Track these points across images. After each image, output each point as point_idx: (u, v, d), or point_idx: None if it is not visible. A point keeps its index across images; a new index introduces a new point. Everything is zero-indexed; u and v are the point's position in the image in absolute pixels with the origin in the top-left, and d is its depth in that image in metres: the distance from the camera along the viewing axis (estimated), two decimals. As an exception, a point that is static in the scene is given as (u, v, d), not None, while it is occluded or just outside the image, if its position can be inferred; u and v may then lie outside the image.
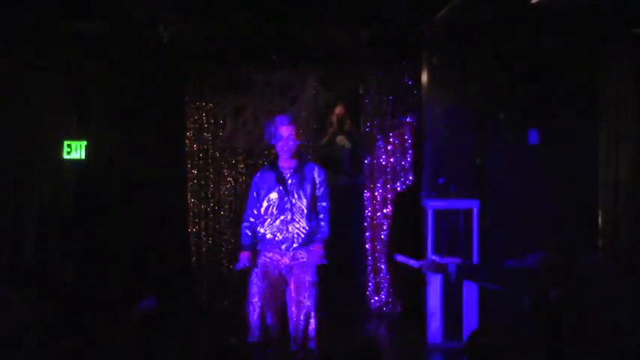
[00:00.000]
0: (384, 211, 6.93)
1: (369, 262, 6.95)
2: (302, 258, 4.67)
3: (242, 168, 7.00)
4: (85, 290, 6.07)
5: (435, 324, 5.96)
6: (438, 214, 6.04)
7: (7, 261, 5.96)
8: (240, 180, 7.00)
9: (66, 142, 6.45)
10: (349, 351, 3.40)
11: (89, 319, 5.26)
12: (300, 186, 4.67)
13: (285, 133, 4.65)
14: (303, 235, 4.66)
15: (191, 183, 6.99)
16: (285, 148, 4.65)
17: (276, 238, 4.65)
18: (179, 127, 6.97)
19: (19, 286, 4.35)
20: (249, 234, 4.78)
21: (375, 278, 6.95)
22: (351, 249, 7.01)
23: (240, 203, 6.97)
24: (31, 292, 4.76)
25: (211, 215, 7.00)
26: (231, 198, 6.98)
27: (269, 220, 4.68)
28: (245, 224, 4.84)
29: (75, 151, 6.44)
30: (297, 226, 4.65)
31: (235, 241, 6.96)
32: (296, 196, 4.65)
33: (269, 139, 4.76)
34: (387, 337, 6.46)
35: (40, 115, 6.42)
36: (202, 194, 7.00)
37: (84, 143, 6.49)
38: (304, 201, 4.67)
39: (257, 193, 4.76)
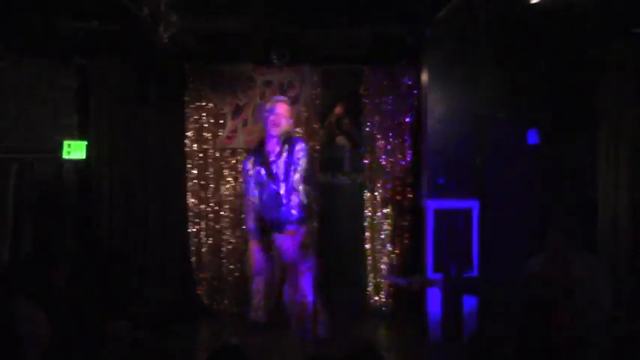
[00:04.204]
0: (384, 211, 6.92)
1: (369, 262, 6.94)
2: (294, 239, 4.75)
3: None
4: (83, 290, 6.07)
5: (435, 324, 5.96)
6: (438, 214, 6.04)
7: (7, 261, 5.96)
8: (240, 180, 6.99)
9: (66, 142, 6.45)
10: (349, 351, 3.39)
11: (87, 320, 5.24)
12: (285, 169, 4.70)
13: (279, 109, 4.67)
14: (291, 217, 4.73)
15: (191, 183, 6.99)
16: (275, 123, 4.64)
17: (268, 222, 4.74)
18: (179, 127, 6.97)
19: (18, 286, 4.36)
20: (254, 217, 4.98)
21: (374, 278, 6.95)
22: (351, 249, 7.02)
23: (240, 204, 6.98)
24: (30, 292, 4.75)
25: (211, 215, 6.99)
26: (231, 198, 6.97)
27: (261, 205, 4.82)
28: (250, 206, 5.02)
29: (75, 151, 6.45)
30: (284, 209, 4.70)
31: (235, 241, 6.97)
32: (281, 180, 4.70)
33: (263, 115, 4.80)
34: (387, 337, 6.46)
35: (40, 115, 6.42)
36: (202, 194, 6.99)
37: (84, 143, 6.50)
38: (290, 183, 4.71)
39: (248, 178, 4.85)
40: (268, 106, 4.72)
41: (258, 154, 4.81)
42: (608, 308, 4.87)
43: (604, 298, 4.88)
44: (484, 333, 4.45)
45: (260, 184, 4.83)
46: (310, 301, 4.66)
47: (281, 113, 4.66)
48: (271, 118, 4.65)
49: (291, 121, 4.82)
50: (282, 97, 4.84)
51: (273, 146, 4.74)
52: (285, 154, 4.72)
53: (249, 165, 4.99)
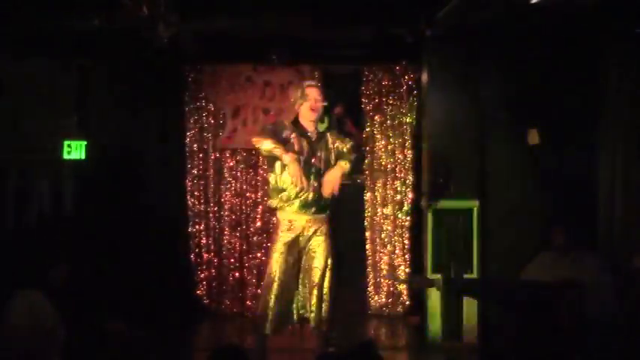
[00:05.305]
0: (384, 211, 6.92)
1: (369, 262, 6.94)
2: (320, 229, 4.67)
3: (242, 168, 6.99)
4: (83, 290, 6.06)
5: (435, 324, 5.96)
6: (438, 214, 6.03)
7: (7, 261, 5.95)
8: (241, 180, 6.99)
9: (66, 142, 6.45)
10: (349, 351, 3.39)
11: (87, 320, 5.26)
12: (323, 149, 4.63)
13: (315, 94, 4.63)
14: (322, 199, 4.63)
15: (191, 183, 6.99)
16: (315, 109, 4.62)
17: (296, 200, 4.62)
18: (179, 127, 6.96)
19: (19, 286, 4.38)
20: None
21: (375, 278, 6.94)
22: (351, 249, 7.01)
23: (240, 204, 6.98)
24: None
25: (211, 215, 6.99)
26: (232, 198, 6.97)
27: (289, 180, 4.62)
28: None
29: (75, 151, 6.45)
30: (317, 189, 4.61)
31: (235, 241, 6.97)
32: (318, 159, 4.61)
33: (294, 102, 4.72)
34: (387, 338, 6.45)
35: (40, 115, 6.42)
36: (202, 194, 6.99)
37: (84, 143, 6.50)
38: (324, 164, 4.63)
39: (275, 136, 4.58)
40: (300, 92, 4.67)
41: (296, 129, 4.62)
42: (609, 307, 4.88)
43: (605, 297, 4.89)
44: (494, 334, 4.46)
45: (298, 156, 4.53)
46: (324, 299, 4.63)
47: (317, 98, 4.63)
48: (307, 104, 4.60)
49: (325, 104, 4.76)
50: (312, 82, 4.79)
51: (311, 129, 4.66)
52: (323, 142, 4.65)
53: (280, 134, 4.56)
